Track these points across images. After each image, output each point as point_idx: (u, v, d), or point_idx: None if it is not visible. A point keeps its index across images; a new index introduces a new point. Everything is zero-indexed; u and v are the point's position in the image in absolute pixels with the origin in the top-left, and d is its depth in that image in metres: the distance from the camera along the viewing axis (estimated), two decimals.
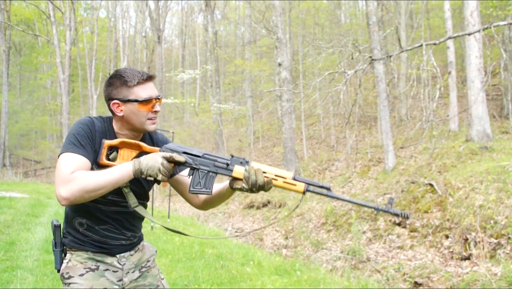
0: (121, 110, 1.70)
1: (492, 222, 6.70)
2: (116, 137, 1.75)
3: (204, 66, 21.69)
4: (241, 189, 1.65)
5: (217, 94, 20.00)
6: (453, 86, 12.31)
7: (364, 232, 8.90)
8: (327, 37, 20.25)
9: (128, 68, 1.74)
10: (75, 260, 1.73)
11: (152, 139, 1.87)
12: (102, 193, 1.57)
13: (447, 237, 7.29)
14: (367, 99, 18.69)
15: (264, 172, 1.66)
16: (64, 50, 20.57)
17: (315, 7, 20.92)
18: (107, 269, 1.77)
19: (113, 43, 28.69)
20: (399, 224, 8.60)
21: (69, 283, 1.70)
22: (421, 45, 4.78)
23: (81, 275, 1.71)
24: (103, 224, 1.76)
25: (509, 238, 6.30)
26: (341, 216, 10.05)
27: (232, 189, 1.71)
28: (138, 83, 1.68)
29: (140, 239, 1.94)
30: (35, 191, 10.88)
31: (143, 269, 1.90)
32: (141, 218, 1.88)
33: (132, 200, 1.70)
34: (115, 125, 1.76)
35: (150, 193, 1.96)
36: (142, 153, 1.71)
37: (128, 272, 1.83)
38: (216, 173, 1.69)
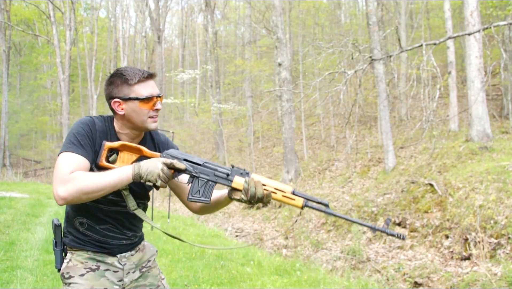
0: (122, 109, 1.69)
1: (492, 222, 6.70)
2: (117, 137, 1.74)
3: (204, 66, 21.69)
4: (239, 200, 1.66)
5: (217, 94, 20.00)
6: (453, 86, 12.31)
7: (364, 232, 8.90)
8: (327, 37, 20.25)
9: (128, 67, 1.74)
10: (76, 260, 1.73)
11: (153, 140, 1.87)
12: (100, 195, 1.56)
13: (447, 237, 7.29)
14: (367, 99, 18.68)
15: (264, 185, 1.66)
16: (64, 50, 20.57)
17: (315, 7, 20.92)
18: (107, 269, 1.77)
19: (113, 43, 28.69)
20: (399, 224, 8.60)
21: (70, 283, 1.70)
22: (421, 45, 4.78)
23: (82, 275, 1.71)
24: (104, 223, 1.75)
25: (509, 238, 6.30)
26: None
27: (230, 198, 1.71)
28: (139, 81, 1.68)
29: (141, 238, 1.94)
30: (35, 191, 10.88)
31: (144, 269, 1.90)
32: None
33: (131, 202, 1.70)
34: (116, 125, 1.75)
35: (150, 193, 1.96)
36: (143, 157, 1.71)
37: (128, 272, 1.83)
38: (216, 182, 1.69)
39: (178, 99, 23.15)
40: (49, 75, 27.21)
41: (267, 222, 11.54)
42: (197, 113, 25.26)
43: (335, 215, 1.68)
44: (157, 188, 1.63)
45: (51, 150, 26.07)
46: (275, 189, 1.67)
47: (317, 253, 8.68)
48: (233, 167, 1.70)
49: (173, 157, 1.69)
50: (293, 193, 1.67)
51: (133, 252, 1.86)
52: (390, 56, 5.50)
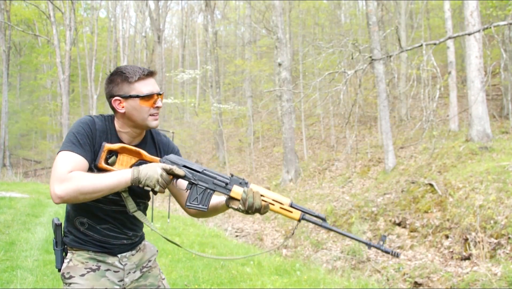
0: (123, 107, 1.69)
1: (492, 222, 6.70)
2: (117, 136, 1.74)
3: (204, 66, 21.70)
4: (237, 209, 1.67)
5: (217, 94, 20.00)
6: (453, 86, 12.31)
7: (364, 232, 8.90)
8: (327, 37, 20.25)
9: (128, 65, 1.73)
10: (76, 260, 1.73)
11: (154, 140, 1.86)
12: (97, 196, 1.56)
13: (447, 237, 7.30)
14: (367, 99, 18.68)
15: (262, 196, 1.67)
16: (64, 50, 20.57)
17: (315, 7, 20.92)
18: (108, 269, 1.76)
19: (113, 43, 28.69)
20: (399, 224, 8.61)
21: (70, 283, 1.70)
22: (421, 45, 4.78)
23: (82, 275, 1.71)
24: (104, 223, 1.75)
25: (509, 238, 6.30)
26: (341, 216, 10.05)
27: (227, 207, 1.72)
28: (139, 79, 1.68)
29: (142, 238, 1.93)
30: (35, 191, 10.87)
31: (144, 269, 1.90)
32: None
33: (131, 205, 1.70)
34: (117, 123, 1.75)
35: (151, 192, 1.96)
36: (142, 160, 1.71)
37: (129, 272, 1.83)
38: (214, 191, 1.70)
39: (178, 99, 23.14)
40: (49, 75, 27.20)
41: (267, 222, 11.54)
42: (197, 113, 25.26)
43: (331, 230, 1.71)
44: (155, 193, 1.63)
45: (51, 150, 26.06)
46: (273, 200, 1.68)
47: (317, 253, 8.68)
48: (232, 175, 1.71)
49: (173, 163, 1.69)
50: (291, 205, 1.69)
51: (133, 251, 1.86)
52: (390, 56, 5.50)
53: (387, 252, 1.65)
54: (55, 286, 3.88)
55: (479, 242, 6.51)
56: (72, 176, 1.52)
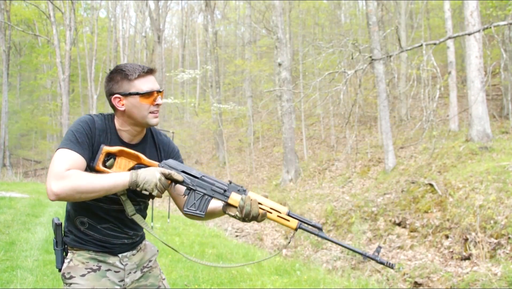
0: (123, 105, 1.69)
1: (492, 222, 6.70)
2: (117, 135, 1.74)
3: (204, 66, 21.69)
4: (234, 216, 1.67)
5: (217, 94, 20.00)
6: (453, 86, 12.31)
7: (364, 232, 8.90)
8: (327, 37, 20.25)
9: (128, 63, 1.73)
10: (77, 260, 1.73)
11: (155, 140, 1.86)
12: (93, 197, 1.56)
13: (447, 237, 7.30)
14: (367, 99, 18.68)
15: (260, 204, 1.68)
16: (64, 50, 20.56)
17: (315, 7, 20.92)
18: (108, 270, 1.76)
19: (113, 43, 28.68)
20: (399, 224, 8.61)
21: (70, 283, 1.70)
22: (421, 45, 4.78)
23: (83, 275, 1.71)
24: (105, 222, 1.75)
25: (509, 238, 6.30)
26: (341, 216, 10.05)
27: (224, 213, 1.73)
28: (139, 76, 1.68)
29: (142, 238, 1.93)
30: (35, 191, 10.87)
31: (145, 269, 1.90)
32: (143, 216, 1.87)
33: (129, 208, 1.70)
34: (117, 122, 1.75)
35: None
36: (140, 164, 1.71)
37: (130, 273, 1.82)
38: (212, 197, 1.71)
39: (178, 99, 23.11)
40: (49, 75, 27.19)
41: (267, 222, 11.54)
42: (197, 113, 25.25)
43: (328, 239, 1.72)
44: (153, 197, 1.64)
45: (51, 150, 26.05)
46: (271, 208, 1.69)
47: (317, 253, 8.68)
48: (230, 182, 1.71)
49: (172, 168, 1.70)
50: (289, 214, 1.69)
51: (134, 251, 1.86)
52: (390, 56, 5.50)
53: (382, 263, 1.67)
54: (55, 286, 3.88)
55: (479, 242, 6.51)
56: (69, 174, 1.52)
